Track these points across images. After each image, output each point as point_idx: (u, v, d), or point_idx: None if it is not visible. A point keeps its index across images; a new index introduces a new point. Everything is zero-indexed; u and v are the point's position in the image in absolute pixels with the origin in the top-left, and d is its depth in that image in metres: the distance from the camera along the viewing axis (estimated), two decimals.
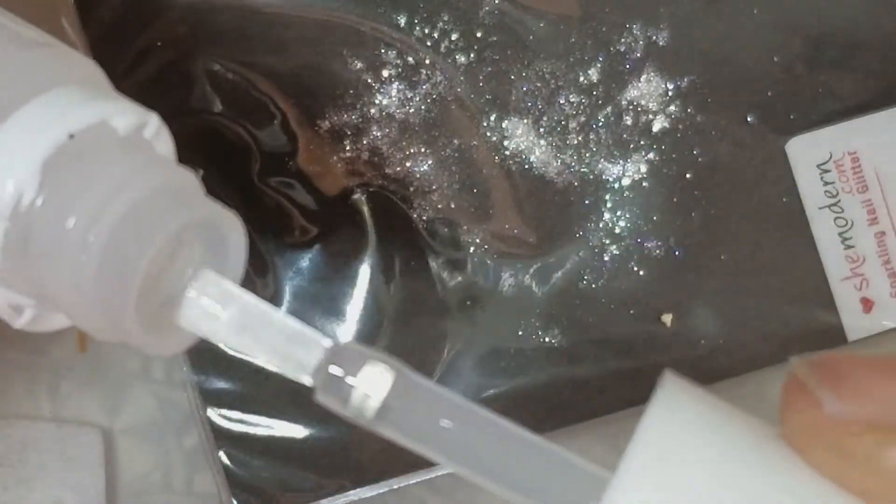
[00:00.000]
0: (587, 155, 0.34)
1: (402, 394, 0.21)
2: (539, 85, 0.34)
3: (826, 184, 0.35)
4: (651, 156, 0.34)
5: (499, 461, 0.21)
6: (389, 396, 0.21)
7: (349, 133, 0.34)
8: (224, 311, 0.22)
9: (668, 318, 0.34)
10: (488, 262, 0.34)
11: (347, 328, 0.34)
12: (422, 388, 0.21)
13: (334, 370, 0.21)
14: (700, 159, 0.34)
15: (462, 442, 0.21)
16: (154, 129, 0.23)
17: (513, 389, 0.34)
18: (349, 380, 0.21)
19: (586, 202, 0.34)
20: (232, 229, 0.22)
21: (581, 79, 0.34)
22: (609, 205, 0.34)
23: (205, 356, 0.34)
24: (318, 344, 0.21)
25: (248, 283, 0.34)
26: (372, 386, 0.21)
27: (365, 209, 0.34)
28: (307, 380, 0.22)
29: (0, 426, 0.34)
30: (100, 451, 0.34)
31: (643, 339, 0.34)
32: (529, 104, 0.34)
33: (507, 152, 0.34)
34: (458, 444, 0.21)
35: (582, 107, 0.34)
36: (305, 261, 0.34)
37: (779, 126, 0.35)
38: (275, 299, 0.34)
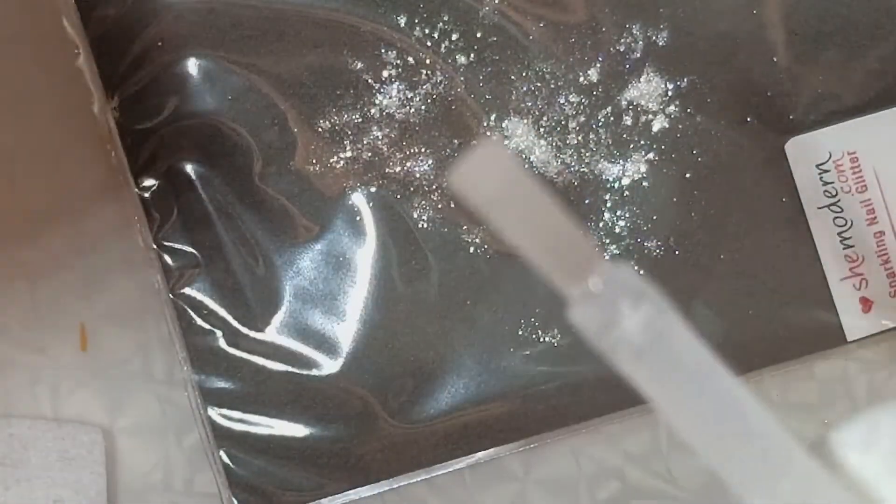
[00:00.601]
0: (587, 155, 0.34)
1: (667, 340, 0.19)
2: (539, 85, 0.34)
3: (825, 184, 0.35)
4: (651, 156, 0.34)
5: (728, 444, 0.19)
6: (652, 339, 0.19)
7: (349, 133, 0.34)
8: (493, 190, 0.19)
9: None
10: (488, 261, 0.34)
11: (347, 328, 0.34)
12: (687, 342, 0.19)
13: (605, 293, 0.19)
14: (700, 159, 0.34)
15: (702, 407, 0.19)
16: None
17: (513, 389, 0.34)
18: (617, 309, 0.19)
19: (586, 202, 0.34)
20: None
21: (581, 79, 0.34)
22: (609, 205, 0.34)
23: (205, 356, 0.34)
24: (597, 257, 0.19)
25: (247, 282, 0.34)
26: (638, 322, 0.19)
27: (365, 209, 0.34)
28: (574, 291, 0.19)
29: (0, 426, 0.34)
30: (100, 450, 0.34)
31: None
32: (529, 104, 0.34)
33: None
34: (698, 407, 0.19)
35: (582, 107, 0.34)
36: (305, 261, 0.34)
37: (778, 126, 0.35)
38: (275, 299, 0.34)
